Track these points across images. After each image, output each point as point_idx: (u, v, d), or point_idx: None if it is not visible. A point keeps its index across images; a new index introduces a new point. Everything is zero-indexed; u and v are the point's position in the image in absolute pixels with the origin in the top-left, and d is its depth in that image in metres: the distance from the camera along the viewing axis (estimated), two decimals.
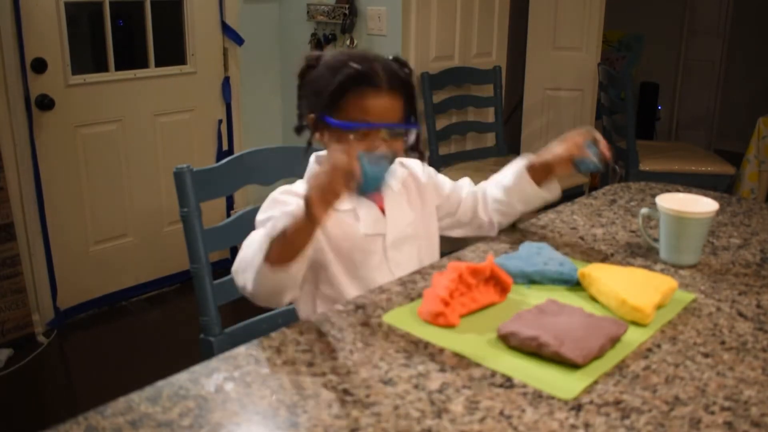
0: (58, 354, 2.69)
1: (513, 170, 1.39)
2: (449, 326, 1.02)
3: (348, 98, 1.19)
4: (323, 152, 1.31)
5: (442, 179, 1.44)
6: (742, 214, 1.58)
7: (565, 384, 0.88)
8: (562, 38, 3.56)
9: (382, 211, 1.30)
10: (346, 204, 1.24)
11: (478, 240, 1.42)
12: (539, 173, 1.37)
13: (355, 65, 1.19)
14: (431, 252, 1.38)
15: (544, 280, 1.19)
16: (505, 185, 1.39)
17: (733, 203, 1.66)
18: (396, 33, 2.87)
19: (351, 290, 1.25)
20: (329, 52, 1.28)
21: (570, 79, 3.57)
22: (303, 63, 1.28)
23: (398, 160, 1.37)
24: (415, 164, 1.40)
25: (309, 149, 1.33)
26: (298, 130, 1.31)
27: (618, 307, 1.07)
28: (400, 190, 1.34)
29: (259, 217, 1.22)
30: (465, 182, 1.46)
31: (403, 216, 1.32)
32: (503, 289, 1.12)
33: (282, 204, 1.21)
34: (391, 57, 1.27)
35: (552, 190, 1.40)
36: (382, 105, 1.20)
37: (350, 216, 1.27)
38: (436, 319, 1.03)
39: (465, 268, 1.07)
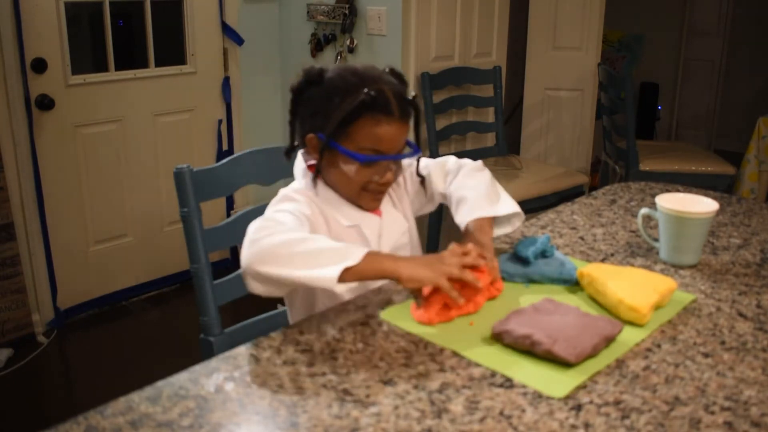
0: (58, 354, 2.68)
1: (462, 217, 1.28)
2: (427, 323, 1.03)
3: (359, 125, 1.15)
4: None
5: (421, 169, 1.35)
6: (742, 214, 1.58)
7: (556, 382, 0.88)
8: (562, 38, 3.56)
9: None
10: (347, 221, 1.24)
11: None
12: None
13: (368, 92, 1.14)
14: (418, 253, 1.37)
15: (543, 279, 1.19)
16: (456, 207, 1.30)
17: (733, 203, 1.66)
18: (396, 33, 2.87)
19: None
20: (331, 69, 1.21)
21: (570, 79, 3.56)
22: (301, 77, 1.21)
23: None
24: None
25: (293, 151, 1.28)
26: (290, 151, 1.26)
27: (615, 307, 1.07)
28: (390, 197, 1.32)
29: (270, 210, 1.19)
30: (426, 169, 1.36)
31: (398, 226, 1.31)
32: (496, 287, 1.13)
33: (292, 200, 1.19)
34: (387, 69, 1.23)
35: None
36: (394, 133, 1.17)
37: (355, 232, 1.24)
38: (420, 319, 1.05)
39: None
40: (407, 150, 1.23)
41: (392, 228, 1.29)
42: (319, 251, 1.01)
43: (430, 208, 1.40)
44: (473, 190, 1.28)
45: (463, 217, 1.26)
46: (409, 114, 1.20)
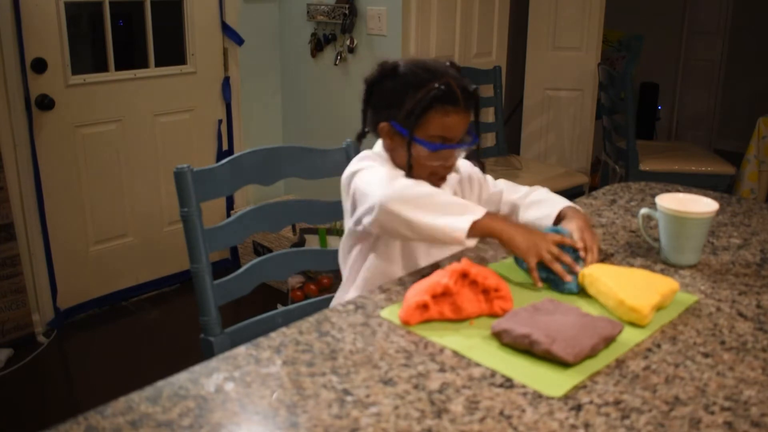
0: (58, 354, 2.68)
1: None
2: (404, 323, 1.03)
3: (430, 115, 1.28)
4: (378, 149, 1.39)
5: (489, 178, 1.50)
6: (742, 214, 1.58)
7: (554, 382, 0.88)
8: (562, 38, 3.56)
9: None
10: None
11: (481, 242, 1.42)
12: None
13: (439, 86, 1.26)
14: None
15: (547, 280, 1.19)
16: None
17: (733, 203, 1.66)
18: (396, 33, 2.87)
19: (397, 269, 1.33)
20: (403, 63, 1.33)
21: (570, 79, 3.57)
22: (376, 71, 1.34)
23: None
24: (464, 165, 1.46)
25: (364, 136, 1.41)
26: (361, 136, 1.41)
27: (616, 308, 1.07)
28: (457, 191, 1.42)
29: (357, 168, 1.29)
30: (501, 183, 1.52)
31: None
32: (500, 305, 1.08)
33: (380, 162, 1.32)
34: (448, 63, 1.34)
35: None
36: (459, 122, 1.30)
37: None
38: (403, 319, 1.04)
39: (449, 272, 1.07)
40: (468, 138, 1.35)
41: None
42: (447, 203, 1.18)
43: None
44: (549, 195, 1.42)
45: (553, 207, 1.36)
46: (472, 104, 1.33)
